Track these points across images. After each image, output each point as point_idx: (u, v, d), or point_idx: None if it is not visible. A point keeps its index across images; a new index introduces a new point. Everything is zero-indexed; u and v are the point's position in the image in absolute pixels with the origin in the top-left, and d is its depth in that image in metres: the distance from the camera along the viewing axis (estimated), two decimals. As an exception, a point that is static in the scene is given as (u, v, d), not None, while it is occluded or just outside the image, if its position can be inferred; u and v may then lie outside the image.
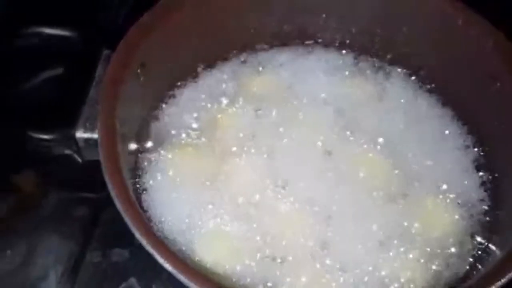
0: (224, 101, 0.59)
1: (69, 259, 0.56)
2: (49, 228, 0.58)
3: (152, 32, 0.53)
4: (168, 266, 0.36)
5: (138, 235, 0.37)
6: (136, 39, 0.51)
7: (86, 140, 0.45)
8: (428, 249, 0.50)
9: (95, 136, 0.43)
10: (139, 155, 0.53)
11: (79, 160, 0.46)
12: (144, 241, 0.37)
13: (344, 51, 0.64)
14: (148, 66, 0.52)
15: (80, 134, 0.45)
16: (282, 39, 0.63)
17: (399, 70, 0.63)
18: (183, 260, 0.39)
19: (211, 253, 0.47)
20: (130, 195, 0.40)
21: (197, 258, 0.46)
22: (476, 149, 0.57)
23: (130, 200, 0.39)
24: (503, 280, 0.37)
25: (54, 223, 0.58)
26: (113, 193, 0.39)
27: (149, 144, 0.54)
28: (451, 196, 0.53)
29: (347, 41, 0.64)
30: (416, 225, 0.51)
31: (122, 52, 0.50)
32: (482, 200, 0.53)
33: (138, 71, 0.51)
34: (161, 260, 0.36)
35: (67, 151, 0.45)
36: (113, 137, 0.43)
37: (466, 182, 0.54)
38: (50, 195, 0.57)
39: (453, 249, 0.50)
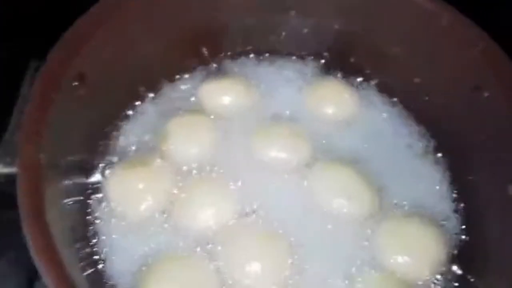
0: (182, 115, 0.48)
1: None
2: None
3: (94, 35, 0.41)
4: None
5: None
6: (73, 44, 0.40)
7: (7, 176, 0.34)
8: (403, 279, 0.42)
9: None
10: (85, 182, 0.43)
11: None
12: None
13: (313, 61, 0.54)
14: (89, 77, 0.41)
15: (-1, 169, 0.34)
16: (247, 48, 0.53)
17: (373, 82, 0.53)
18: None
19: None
20: (53, 249, 0.30)
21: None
22: (452, 170, 0.48)
23: (51, 257, 0.30)
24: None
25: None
26: (30, 244, 0.29)
27: (96, 174, 0.44)
28: (426, 220, 0.45)
29: (317, 50, 0.54)
30: (389, 252, 0.43)
31: (54, 62, 0.39)
32: (457, 225, 0.46)
33: (76, 83, 0.40)
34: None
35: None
36: (35, 173, 0.33)
37: (442, 207, 0.47)
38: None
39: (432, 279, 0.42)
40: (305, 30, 0.53)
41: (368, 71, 0.54)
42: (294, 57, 0.55)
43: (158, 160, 0.45)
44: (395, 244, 0.43)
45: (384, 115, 0.52)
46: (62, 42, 0.40)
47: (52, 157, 0.35)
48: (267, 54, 0.55)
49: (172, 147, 0.46)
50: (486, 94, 0.43)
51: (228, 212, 0.43)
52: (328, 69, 0.55)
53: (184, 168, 0.46)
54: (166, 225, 0.43)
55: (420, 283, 0.42)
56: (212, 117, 0.49)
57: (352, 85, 0.53)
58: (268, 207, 0.44)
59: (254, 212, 0.44)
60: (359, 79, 0.54)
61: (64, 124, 0.38)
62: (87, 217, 0.42)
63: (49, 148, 0.35)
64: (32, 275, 0.46)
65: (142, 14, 0.45)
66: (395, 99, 0.53)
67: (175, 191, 0.44)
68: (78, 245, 0.38)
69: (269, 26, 0.52)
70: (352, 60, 0.54)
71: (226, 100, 0.50)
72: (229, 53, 0.53)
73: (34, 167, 0.33)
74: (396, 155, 0.50)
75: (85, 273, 0.38)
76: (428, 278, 0.42)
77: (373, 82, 0.54)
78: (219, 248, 0.41)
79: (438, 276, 0.42)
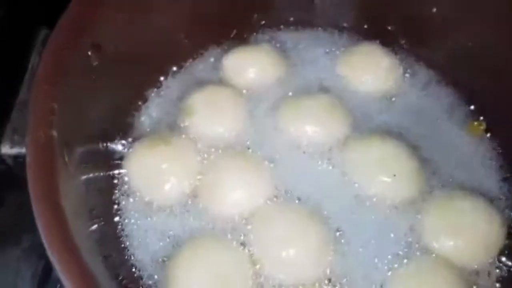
0: (207, 88, 0.43)
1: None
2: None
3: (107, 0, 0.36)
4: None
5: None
6: (85, 10, 0.35)
7: (16, 157, 0.30)
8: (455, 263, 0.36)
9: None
10: (105, 161, 0.39)
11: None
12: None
13: (348, 30, 0.48)
14: (105, 48, 0.36)
15: (6, 150, 0.30)
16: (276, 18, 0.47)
17: (413, 51, 0.47)
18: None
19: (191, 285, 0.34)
20: (69, 238, 0.26)
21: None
22: (502, 146, 0.42)
23: (66, 248, 0.25)
24: None
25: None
26: (42, 235, 0.25)
27: (117, 152, 0.39)
28: (477, 199, 0.39)
29: (353, 19, 0.47)
30: (438, 234, 0.37)
31: (64, 31, 0.34)
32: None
33: (89, 53, 0.35)
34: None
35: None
36: (47, 153, 0.28)
37: (492, 185, 0.41)
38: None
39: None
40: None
41: (408, 40, 0.47)
42: (327, 27, 0.49)
43: (182, 137, 0.41)
44: (445, 225, 0.38)
45: (427, 87, 0.46)
46: (73, 8, 0.35)
47: (67, 134, 0.30)
48: (298, 25, 0.49)
49: (196, 123, 0.41)
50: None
51: (260, 194, 0.38)
52: (364, 38, 0.48)
53: (210, 145, 0.41)
54: (193, 208, 0.38)
55: (475, 267, 0.37)
56: (238, 90, 0.44)
57: (391, 52, 0.47)
58: (303, 188, 0.39)
59: (288, 193, 0.39)
60: (398, 48, 0.48)
61: (79, 98, 0.33)
62: (109, 198, 0.38)
63: (62, 125, 0.30)
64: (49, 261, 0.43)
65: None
66: (439, 70, 0.47)
67: (201, 171, 0.40)
68: (99, 230, 0.34)
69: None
70: (390, 28, 0.48)
71: (253, 71, 0.44)
72: (258, 24, 0.48)
73: (45, 146, 0.28)
74: (440, 130, 0.44)
75: (107, 259, 0.34)
76: (484, 261, 0.37)
77: (414, 52, 0.47)
78: (252, 233, 0.37)
79: (495, 259, 0.37)
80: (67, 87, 0.32)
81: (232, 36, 0.48)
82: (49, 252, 0.26)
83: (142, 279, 0.36)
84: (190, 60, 0.46)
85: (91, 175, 0.35)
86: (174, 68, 0.46)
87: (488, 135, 0.43)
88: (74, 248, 0.26)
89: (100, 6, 0.36)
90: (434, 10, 0.44)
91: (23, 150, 0.29)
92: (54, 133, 0.29)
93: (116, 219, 0.38)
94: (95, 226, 0.34)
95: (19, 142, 0.31)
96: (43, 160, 0.28)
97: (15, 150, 0.31)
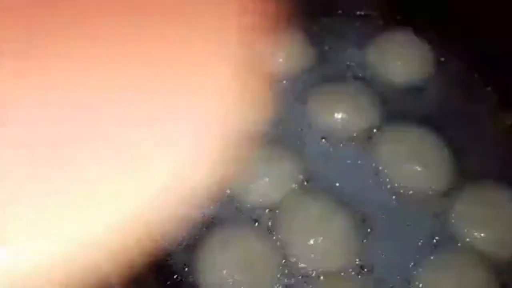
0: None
1: None
2: None
3: None
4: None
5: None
6: None
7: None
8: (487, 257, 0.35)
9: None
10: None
11: None
12: None
13: (379, 19, 0.46)
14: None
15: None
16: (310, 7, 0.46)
17: (447, 44, 0.44)
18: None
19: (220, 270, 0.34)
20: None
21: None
22: None
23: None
24: None
25: None
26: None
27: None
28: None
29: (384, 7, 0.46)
30: (470, 227, 0.36)
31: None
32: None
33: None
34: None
35: None
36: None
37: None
38: None
39: None
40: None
41: (440, 29, 0.45)
42: (357, 15, 0.47)
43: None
44: (476, 216, 0.37)
45: (458, 78, 0.44)
46: None
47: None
48: (326, 12, 0.47)
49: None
50: None
51: (287, 183, 0.38)
52: (396, 26, 0.46)
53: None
54: (219, 195, 0.38)
55: (508, 259, 0.35)
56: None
57: (423, 42, 0.46)
58: (330, 177, 0.38)
59: (315, 182, 0.38)
60: (430, 38, 0.46)
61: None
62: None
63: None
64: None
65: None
66: (469, 61, 0.44)
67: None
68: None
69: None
70: (422, 16, 0.46)
71: (281, 59, 0.44)
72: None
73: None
74: (471, 122, 0.42)
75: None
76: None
77: (445, 42, 0.45)
78: (279, 221, 0.36)
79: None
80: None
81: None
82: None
83: (170, 265, 0.36)
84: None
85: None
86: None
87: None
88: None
89: None
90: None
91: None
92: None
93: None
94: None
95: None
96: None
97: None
